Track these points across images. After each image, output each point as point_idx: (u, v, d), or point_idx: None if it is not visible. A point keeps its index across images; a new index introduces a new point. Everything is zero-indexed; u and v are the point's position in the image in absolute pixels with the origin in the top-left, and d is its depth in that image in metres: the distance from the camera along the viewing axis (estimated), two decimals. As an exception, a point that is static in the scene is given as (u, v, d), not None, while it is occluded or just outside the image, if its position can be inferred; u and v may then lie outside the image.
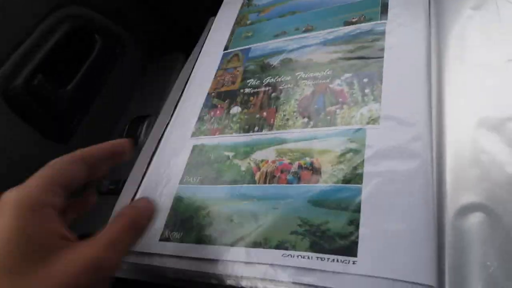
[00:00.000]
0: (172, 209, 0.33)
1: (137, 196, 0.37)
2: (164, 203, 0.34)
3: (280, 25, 0.44)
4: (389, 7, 0.37)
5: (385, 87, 0.32)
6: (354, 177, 0.28)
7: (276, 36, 0.43)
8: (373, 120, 0.30)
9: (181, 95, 0.45)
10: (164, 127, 0.42)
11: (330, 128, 0.32)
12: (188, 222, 0.32)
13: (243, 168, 0.33)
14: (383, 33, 0.35)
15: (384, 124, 0.30)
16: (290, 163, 0.31)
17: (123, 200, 0.37)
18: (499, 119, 0.27)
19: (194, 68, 0.46)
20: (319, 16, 0.42)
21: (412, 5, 0.36)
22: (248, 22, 0.48)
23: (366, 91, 0.32)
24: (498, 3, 0.33)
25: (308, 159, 0.31)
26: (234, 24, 0.48)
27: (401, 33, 0.35)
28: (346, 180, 0.28)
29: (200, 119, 0.40)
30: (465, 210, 0.25)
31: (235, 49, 0.45)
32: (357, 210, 0.27)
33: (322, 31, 0.40)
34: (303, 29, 0.41)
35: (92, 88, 0.51)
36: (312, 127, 0.33)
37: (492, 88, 0.29)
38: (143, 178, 0.38)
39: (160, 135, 0.41)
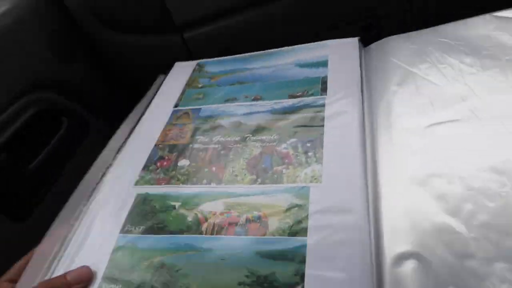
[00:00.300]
0: (111, 260, 0.31)
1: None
2: (102, 255, 0.32)
3: (230, 92, 0.47)
4: (328, 85, 0.43)
5: (326, 151, 0.36)
6: (300, 230, 0.30)
7: (227, 101, 0.46)
8: (316, 179, 0.33)
9: (122, 144, 0.44)
10: (101, 175, 0.41)
11: (277, 185, 0.34)
12: (128, 273, 0.30)
13: (189, 219, 0.33)
14: (323, 105, 0.40)
15: (326, 183, 0.33)
16: (238, 216, 0.32)
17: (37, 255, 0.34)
18: (425, 176, 0.31)
19: (141, 121, 0.47)
20: (267, 88, 0.46)
21: (348, 83, 0.42)
22: (200, 85, 0.51)
23: (309, 154, 0.36)
24: (416, 81, 0.40)
25: (255, 213, 0.32)
26: (185, 85, 0.51)
27: (339, 105, 0.40)
28: (292, 233, 0.30)
29: (146, 168, 0.39)
30: (401, 258, 0.27)
31: (185, 107, 0.47)
32: (303, 261, 0.28)
33: (269, 101, 0.44)
34: (252, 97, 0.45)
35: (54, 168, 0.50)
36: (260, 183, 0.35)
37: (417, 149, 0.34)
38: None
39: (96, 183, 0.40)
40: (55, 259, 0.33)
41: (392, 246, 0.28)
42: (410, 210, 0.30)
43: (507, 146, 0.31)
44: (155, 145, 0.42)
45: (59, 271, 0.32)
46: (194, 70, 0.54)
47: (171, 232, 0.32)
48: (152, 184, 0.37)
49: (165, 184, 0.37)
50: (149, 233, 0.33)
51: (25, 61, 0.47)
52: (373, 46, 0.48)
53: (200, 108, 0.46)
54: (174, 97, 0.49)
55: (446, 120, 0.35)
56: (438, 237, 0.27)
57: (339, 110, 0.39)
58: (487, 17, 0.43)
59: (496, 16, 0.43)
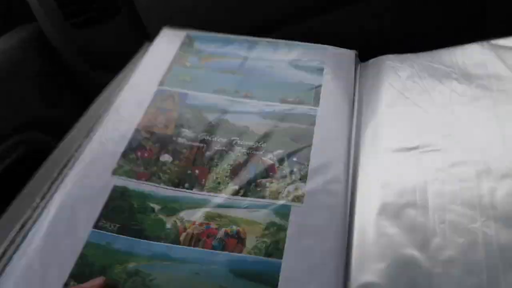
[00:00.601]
0: (82, 256, 0.31)
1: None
2: (72, 249, 0.31)
3: (221, 82, 0.45)
4: (321, 98, 0.43)
5: (311, 170, 0.36)
6: (276, 252, 0.31)
7: (215, 91, 0.44)
8: (298, 198, 0.34)
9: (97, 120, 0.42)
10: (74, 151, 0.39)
11: (258, 200, 0.34)
12: (98, 274, 0.30)
13: (168, 226, 0.33)
14: (314, 119, 0.40)
15: (307, 204, 0.34)
16: (217, 229, 0.33)
17: None
18: (399, 206, 0.32)
19: (120, 96, 0.44)
20: (259, 86, 0.45)
21: (340, 102, 0.42)
22: (188, 64, 0.48)
23: (294, 169, 0.36)
24: (406, 105, 0.40)
25: (234, 227, 0.33)
26: (172, 61, 0.48)
27: (329, 124, 0.40)
28: (268, 254, 0.31)
29: (125, 156, 0.38)
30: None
31: (172, 89, 0.44)
32: (275, 284, 0.29)
33: (260, 102, 0.43)
34: (243, 94, 0.44)
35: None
36: (242, 195, 0.35)
37: (396, 175, 0.34)
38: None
39: (67, 160, 0.38)
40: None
41: (358, 276, 0.29)
42: (380, 240, 0.30)
43: (484, 181, 0.32)
44: (136, 129, 0.40)
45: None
46: (182, 44, 0.51)
47: (148, 237, 0.32)
48: (131, 177, 0.36)
49: (145, 180, 0.36)
50: (124, 233, 0.32)
51: (13, 101, 0.46)
52: (370, 63, 0.47)
53: (187, 94, 0.44)
54: (159, 73, 0.46)
55: (427, 148, 0.35)
56: (403, 271, 0.29)
57: (329, 128, 0.40)
58: (484, 44, 0.43)
59: (494, 45, 0.43)
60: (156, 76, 0.46)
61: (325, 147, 0.38)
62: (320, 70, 0.46)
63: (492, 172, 0.32)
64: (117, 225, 0.33)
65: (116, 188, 0.35)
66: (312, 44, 0.49)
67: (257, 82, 0.45)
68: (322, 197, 0.34)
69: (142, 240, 0.32)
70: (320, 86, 0.44)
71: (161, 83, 0.45)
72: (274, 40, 0.50)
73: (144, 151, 0.38)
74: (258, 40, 0.50)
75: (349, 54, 0.48)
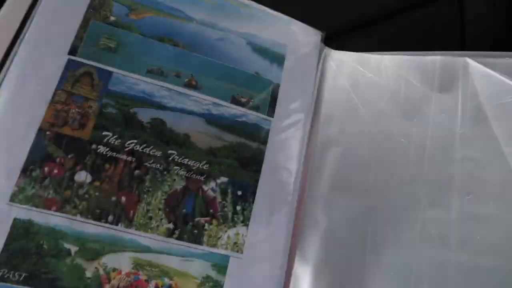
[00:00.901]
0: None
1: None
2: None
3: (156, 55, 0.35)
4: (277, 105, 0.36)
5: (255, 210, 0.33)
6: None
7: (150, 72, 0.34)
8: (238, 247, 0.32)
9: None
10: None
11: (195, 246, 0.31)
12: None
13: (88, 274, 0.29)
14: (266, 139, 0.35)
15: (247, 254, 0.32)
16: (147, 281, 0.29)
17: None
18: (336, 261, 0.33)
19: (13, 65, 0.31)
20: (207, 70, 0.35)
21: (297, 111, 0.37)
22: (112, 18, 0.35)
23: (238, 208, 0.33)
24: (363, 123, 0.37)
25: (166, 280, 0.30)
26: (87, 9, 0.35)
27: (280, 148, 0.35)
28: None
29: (26, 173, 0.29)
30: None
31: (88, 61, 0.33)
32: None
33: (207, 97, 0.35)
34: (185, 80, 0.35)
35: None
36: (177, 238, 0.31)
37: (340, 222, 0.34)
38: None
39: None
40: None
41: None
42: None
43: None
44: (40, 129, 0.31)
45: None
46: None
47: (65, 290, 0.28)
48: (37, 206, 0.29)
49: (56, 209, 0.29)
50: (33, 285, 0.27)
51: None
52: (336, 55, 0.39)
53: (111, 74, 0.33)
54: (68, 30, 0.33)
55: (375, 201, 0.34)
56: None
57: (280, 154, 0.35)
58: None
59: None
60: (65, 36, 0.33)
61: (273, 180, 0.34)
62: (280, 59, 0.38)
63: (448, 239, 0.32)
64: (23, 274, 0.28)
65: (18, 223, 0.28)
66: (274, 14, 0.39)
67: (205, 64, 0.36)
68: (263, 246, 0.32)
69: None
70: (278, 85, 0.37)
71: (73, 50, 0.33)
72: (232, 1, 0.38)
73: (53, 166, 0.30)
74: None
75: (315, 38, 0.39)
